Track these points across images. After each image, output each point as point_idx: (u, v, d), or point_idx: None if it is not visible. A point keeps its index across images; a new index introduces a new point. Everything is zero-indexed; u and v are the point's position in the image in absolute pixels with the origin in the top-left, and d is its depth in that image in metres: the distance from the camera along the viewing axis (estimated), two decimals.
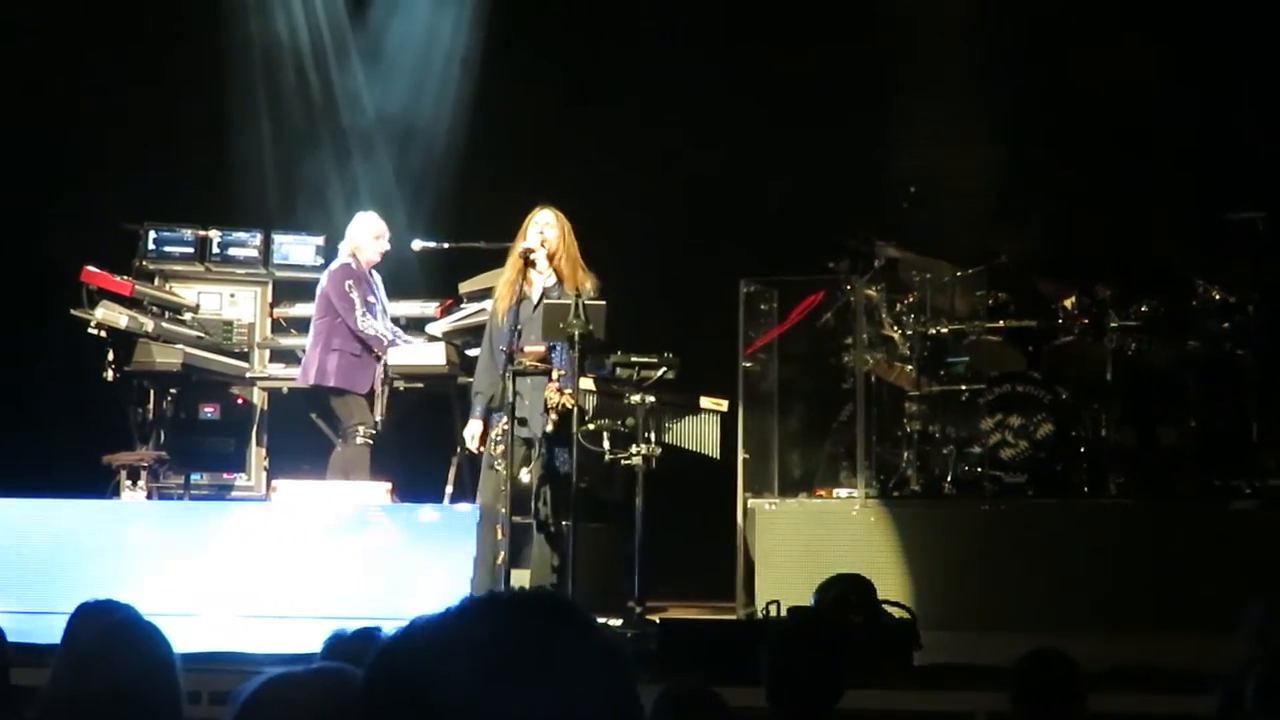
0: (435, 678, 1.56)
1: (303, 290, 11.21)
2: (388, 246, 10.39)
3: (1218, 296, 9.62)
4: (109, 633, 3.94)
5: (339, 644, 4.06)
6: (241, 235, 11.47)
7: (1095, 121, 11.45)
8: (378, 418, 10.30)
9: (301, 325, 10.97)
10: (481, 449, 8.78)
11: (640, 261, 11.05)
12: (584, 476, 8.22)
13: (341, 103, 12.51)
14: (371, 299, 10.27)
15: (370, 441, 10.15)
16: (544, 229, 8.62)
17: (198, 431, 11.13)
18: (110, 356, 10.53)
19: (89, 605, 4.68)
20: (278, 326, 11.47)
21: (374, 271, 10.41)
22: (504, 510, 8.26)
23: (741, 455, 9.74)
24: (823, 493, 10.05)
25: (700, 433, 8.98)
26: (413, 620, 1.65)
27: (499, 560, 8.29)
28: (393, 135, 12.33)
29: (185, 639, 7.15)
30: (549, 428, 8.38)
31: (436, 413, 10.60)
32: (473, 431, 8.78)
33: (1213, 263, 9.81)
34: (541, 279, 8.60)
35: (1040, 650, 4.62)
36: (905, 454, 9.97)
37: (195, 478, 11.02)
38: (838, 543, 9.35)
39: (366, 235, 10.35)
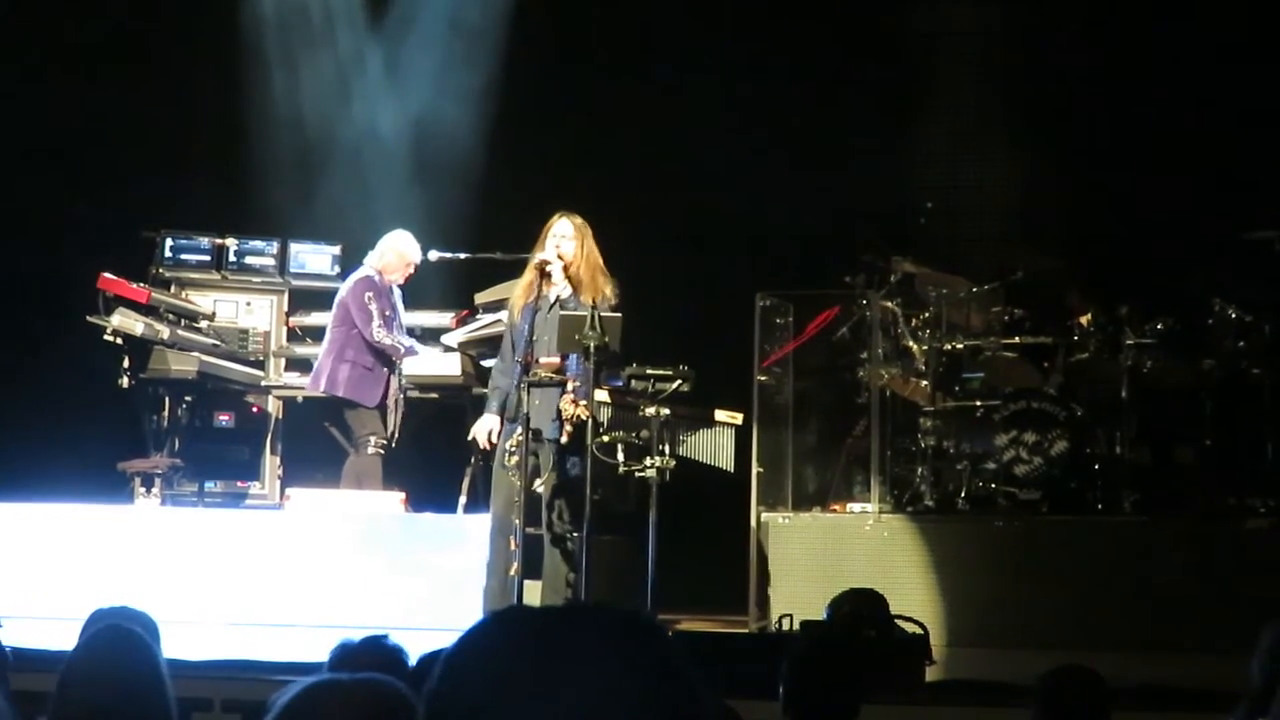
0: (499, 703, 1.54)
1: (319, 299, 11.22)
2: (413, 272, 10.42)
3: (1233, 315, 9.60)
4: (91, 645, 3.96)
5: (347, 653, 4.07)
6: (258, 244, 11.50)
7: (1111, 138, 11.44)
8: (392, 428, 10.31)
9: (317, 334, 10.98)
10: (492, 446, 8.75)
11: (656, 274, 11.03)
12: (598, 488, 8.21)
13: (359, 112, 12.52)
14: (390, 313, 10.28)
15: (382, 451, 10.16)
16: (560, 241, 8.60)
17: (212, 439, 11.15)
18: (125, 363, 10.55)
19: (103, 611, 4.70)
20: (293, 335, 11.49)
21: (395, 287, 10.43)
22: (517, 521, 8.25)
23: (756, 469, 9.73)
24: (836, 507, 10.04)
25: (715, 446, 8.97)
26: (463, 639, 1.63)
27: (512, 571, 8.28)
28: (410, 145, 12.33)
29: (196, 646, 7.18)
30: (563, 439, 8.37)
31: (451, 423, 10.59)
32: (489, 425, 8.72)
33: (1229, 281, 9.79)
34: (557, 288, 8.59)
35: (1068, 666, 4.59)
36: (919, 469, 9.96)
37: (209, 485, 11.03)
38: (851, 557, 9.34)
39: (400, 259, 10.33)
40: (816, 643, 4.81)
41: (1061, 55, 11.70)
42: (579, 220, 8.66)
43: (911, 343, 10.16)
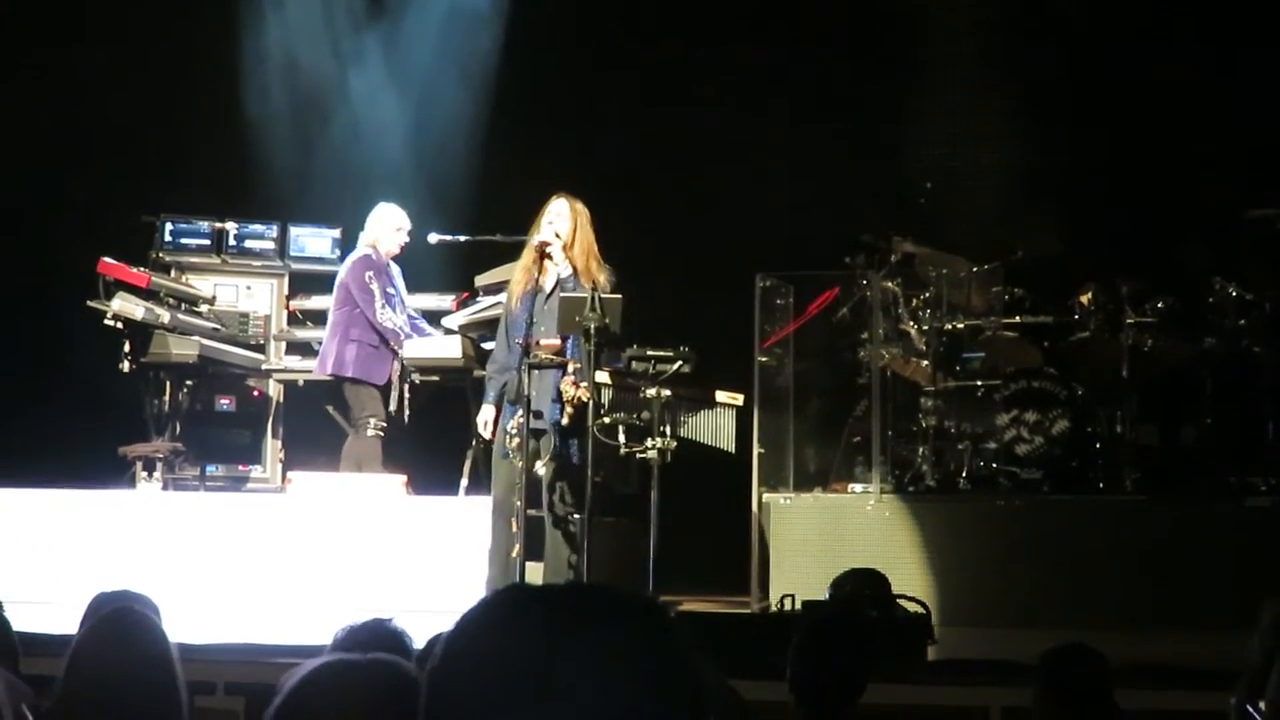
0: (501, 682, 1.54)
1: (319, 282, 11.22)
2: (407, 239, 10.40)
3: (1234, 293, 9.59)
4: (100, 627, 3.97)
5: (350, 636, 4.07)
6: (258, 227, 11.49)
7: (1113, 117, 11.43)
8: (398, 407, 10.31)
9: (318, 318, 10.99)
10: (491, 437, 8.78)
11: (657, 255, 11.05)
12: (599, 470, 8.21)
13: (359, 95, 12.50)
14: (391, 290, 10.27)
15: (381, 434, 10.15)
16: (555, 220, 8.61)
17: (213, 423, 11.15)
18: (126, 348, 10.54)
19: (105, 596, 4.71)
20: (294, 319, 11.49)
21: (393, 263, 10.41)
22: (519, 503, 8.26)
23: (757, 449, 9.74)
24: (838, 487, 10.04)
25: (716, 427, 8.97)
26: (464, 619, 1.62)
27: (514, 554, 8.29)
28: (410, 127, 12.32)
29: (199, 630, 7.19)
30: (564, 420, 8.38)
31: (451, 406, 10.60)
32: (486, 417, 8.80)
33: (1230, 259, 9.78)
34: (556, 269, 8.60)
35: (1069, 645, 4.60)
36: (920, 449, 9.96)
37: (211, 469, 11.04)
38: (852, 537, 9.34)
39: (388, 227, 10.34)
40: (824, 621, 4.80)
41: (1061, 33, 11.68)
42: (577, 204, 8.67)
43: (912, 323, 10.15)
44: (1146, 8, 11.42)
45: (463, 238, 10.01)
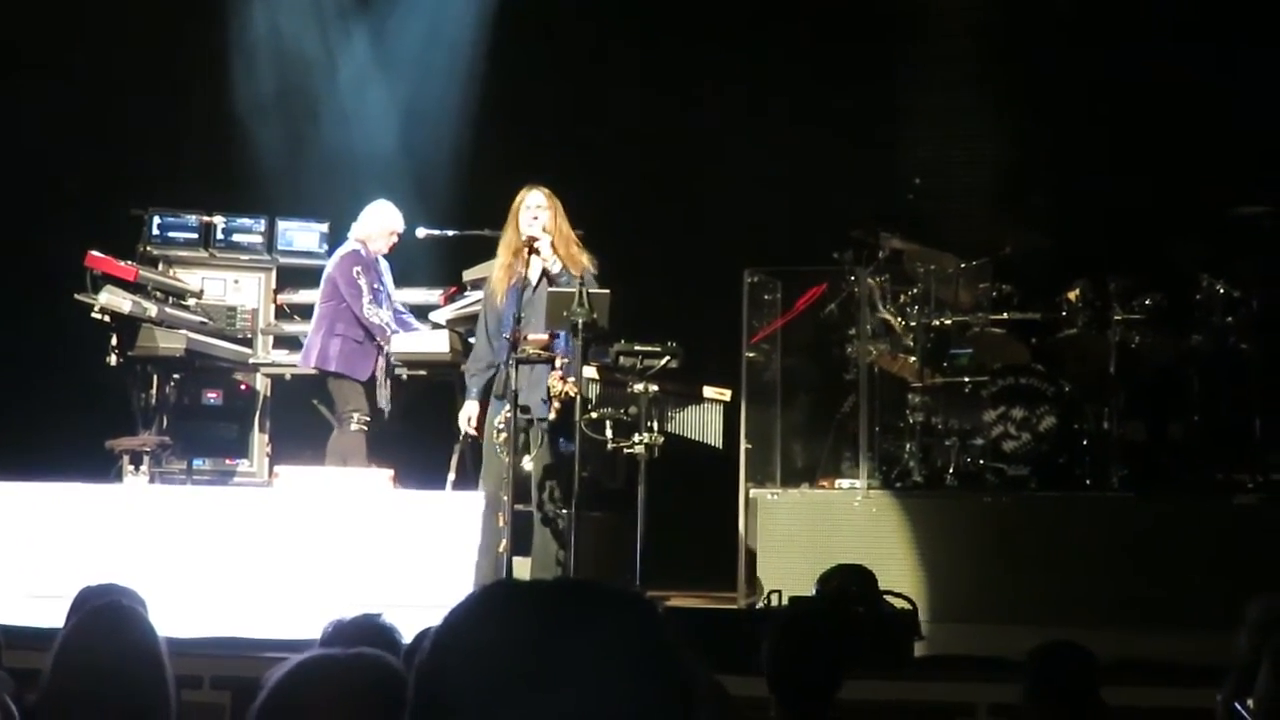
0: (490, 677, 1.54)
1: (307, 276, 11.20)
2: (397, 240, 10.38)
3: (1222, 290, 9.61)
4: (88, 620, 3.96)
5: (339, 631, 4.06)
6: (246, 221, 11.46)
7: (1102, 114, 11.44)
8: (381, 405, 10.29)
9: (305, 312, 10.96)
10: (478, 432, 8.77)
11: (644, 250, 11.04)
12: (586, 465, 8.21)
13: (347, 88, 12.49)
14: (378, 286, 10.25)
15: (365, 428, 10.14)
16: (537, 213, 8.59)
17: (201, 417, 11.13)
18: (114, 341, 10.52)
19: (91, 589, 4.70)
20: (281, 313, 11.46)
21: (381, 258, 10.39)
22: (506, 498, 8.25)
23: (744, 445, 9.73)
24: (825, 483, 10.05)
25: (703, 422, 8.97)
26: (453, 614, 1.62)
27: (501, 548, 8.28)
28: (398, 121, 12.31)
29: (186, 624, 7.17)
30: (551, 415, 8.37)
31: (439, 400, 10.59)
32: (469, 413, 8.78)
33: (1217, 257, 9.79)
34: (542, 263, 8.58)
35: (1057, 641, 4.60)
36: (908, 445, 9.97)
37: (198, 463, 11.02)
38: (840, 533, 9.35)
39: (382, 229, 10.30)
40: (798, 617, 4.80)
41: (1052, 31, 11.69)
42: (548, 191, 8.66)
43: (899, 319, 10.16)
44: (1145, 8, 11.42)
45: (451, 232, 10.01)
